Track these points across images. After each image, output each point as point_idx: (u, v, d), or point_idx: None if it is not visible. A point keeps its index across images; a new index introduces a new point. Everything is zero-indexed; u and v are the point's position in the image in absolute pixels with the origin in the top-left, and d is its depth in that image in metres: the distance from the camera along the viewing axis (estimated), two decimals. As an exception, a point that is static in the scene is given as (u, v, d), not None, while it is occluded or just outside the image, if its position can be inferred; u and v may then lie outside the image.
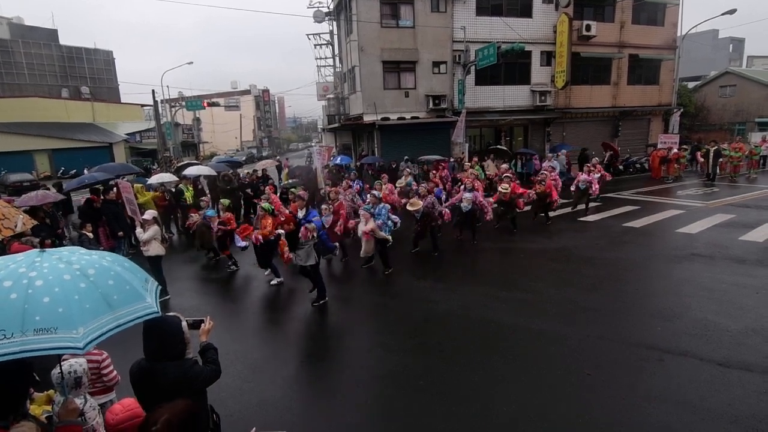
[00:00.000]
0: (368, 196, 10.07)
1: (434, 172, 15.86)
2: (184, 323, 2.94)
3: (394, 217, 9.53)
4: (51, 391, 3.33)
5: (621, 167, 23.02)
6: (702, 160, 21.00)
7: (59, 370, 3.11)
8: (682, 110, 27.87)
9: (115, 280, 2.63)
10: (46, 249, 2.79)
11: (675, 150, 21.38)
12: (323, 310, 7.77)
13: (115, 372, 3.89)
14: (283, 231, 8.70)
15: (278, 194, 11.87)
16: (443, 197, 12.05)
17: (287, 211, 9.16)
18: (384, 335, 6.60)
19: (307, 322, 7.37)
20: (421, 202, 10.10)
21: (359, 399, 4.99)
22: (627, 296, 7.61)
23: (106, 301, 2.49)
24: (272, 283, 9.00)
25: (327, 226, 9.40)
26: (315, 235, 7.58)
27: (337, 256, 10.35)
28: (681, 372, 5.17)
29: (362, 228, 9.09)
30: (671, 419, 4.35)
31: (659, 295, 7.73)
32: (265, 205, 8.89)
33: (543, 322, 6.65)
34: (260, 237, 8.45)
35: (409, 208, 10.07)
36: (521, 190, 12.09)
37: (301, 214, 8.23)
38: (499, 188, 11.54)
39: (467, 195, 10.93)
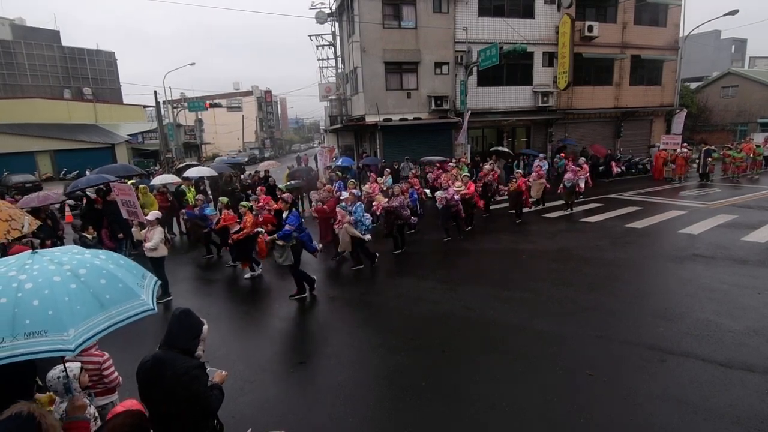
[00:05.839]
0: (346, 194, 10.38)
1: (413, 172, 16.05)
2: (206, 327, 3.08)
3: (367, 215, 9.68)
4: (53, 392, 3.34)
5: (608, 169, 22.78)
6: (698, 161, 21.22)
7: (50, 375, 3.14)
8: (686, 110, 27.78)
9: (108, 279, 2.62)
10: (39, 250, 2.79)
11: (682, 150, 21.29)
12: (325, 310, 7.81)
13: (116, 374, 3.88)
14: (262, 229, 8.99)
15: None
16: (416, 197, 12.20)
17: (268, 213, 9.47)
18: (386, 335, 6.60)
19: (308, 322, 7.40)
20: (384, 200, 10.26)
21: (362, 399, 4.99)
22: (628, 296, 7.59)
23: (98, 300, 2.48)
24: (246, 276, 9.47)
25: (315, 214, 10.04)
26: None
27: (329, 254, 10.56)
28: (683, 372, 5.16)
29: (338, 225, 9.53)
30: (673, 419, 4.34)
31: (661, 295, 7.72)
32: (244, 203, 9.49)
33: (544, 322, 6.65)
34: (234, 237, 9.06)
35: (375, 203, 10.23)
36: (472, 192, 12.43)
37: (284, 215, 8.34)
38: (453, 187, 11.64)
39: (438, 193, 11.30)
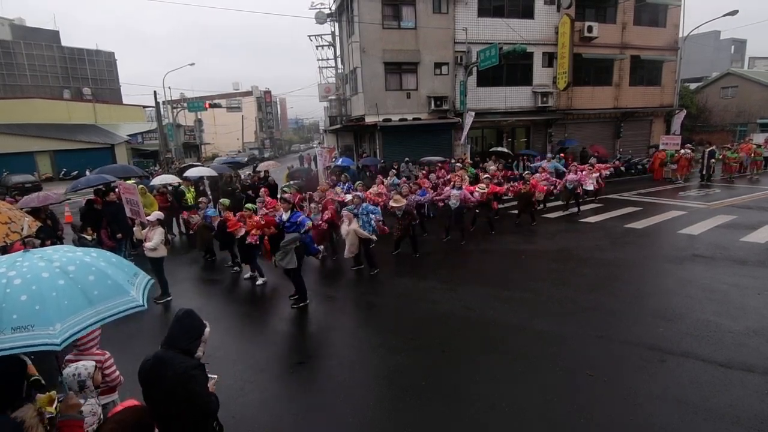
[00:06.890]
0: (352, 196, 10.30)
1: (423, 172, 16.02)
2: (207, 329, 3.07)
3: (373, 215, 9.53)
4: (53, 392, 3.35)
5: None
6: (701, 161, 21.31)
7: (66, 373, 3.15)
8: (685, 111, 27.77)
9: (96, 276, 2.65)
10: (32, 249, 2.82)
11: (685, 150, 21.26)
12: (325, 310, 7.81)
13: (117, 372, 3.89)
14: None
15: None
16: (425, 198, 11.89)
17: (268, 215, 9.26)
18: (386, 335, 6.59)
19: (308, 322, 7.39)
20: (404, 200, 10.21)
21: (362, 399, 4.99)
22: (628, 296, 7.59)
23: (85, 296, 2.51)
24: (245, 276, 9.46)
25: (316, 225, 9.64)
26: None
27: (328, 255, 10.61)
28: (683, 372, 5.16)
29: (345, 228, 9.26)
30: (673, 419, 4.34)
31: (660, 295, 7.71)
32: (249, 205, 9.39)
33: (544, 322, 6.65)
34: (257, 230, 8.65)
35: (392, 204, 10.19)
36: (498, 189, 12.28)
37: (285, 216, 8.19)
38: (476, 189, 11.62)
39: (455, 192, 11.10)
